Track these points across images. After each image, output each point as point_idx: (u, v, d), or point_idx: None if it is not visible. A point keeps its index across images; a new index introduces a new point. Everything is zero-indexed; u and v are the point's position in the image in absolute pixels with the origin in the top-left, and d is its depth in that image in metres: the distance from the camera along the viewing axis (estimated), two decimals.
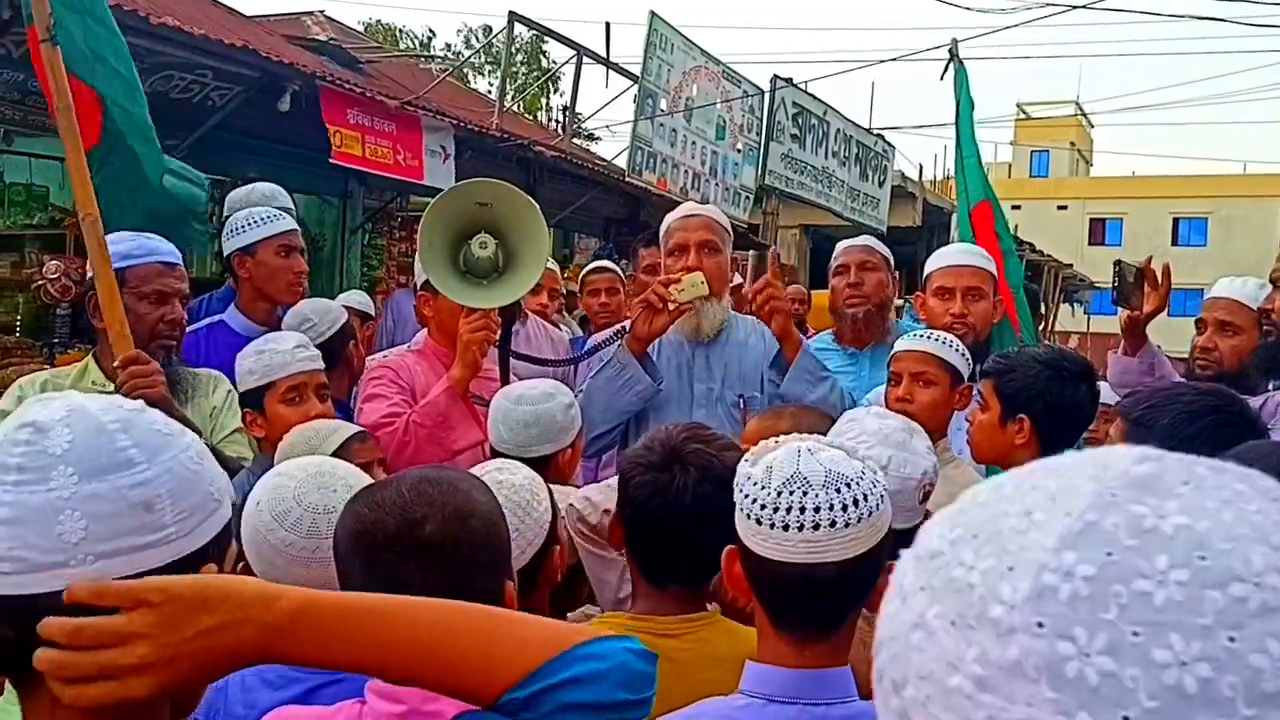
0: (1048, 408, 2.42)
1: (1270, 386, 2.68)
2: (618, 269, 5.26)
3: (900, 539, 1.50)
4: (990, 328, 3.23)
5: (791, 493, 1.40)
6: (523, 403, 2.50)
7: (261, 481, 1.73)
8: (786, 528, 1.39)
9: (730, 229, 3.23)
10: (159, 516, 0.93)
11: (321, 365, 2.79)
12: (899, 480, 1.92)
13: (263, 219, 3.36)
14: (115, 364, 2.52)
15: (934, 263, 3.33)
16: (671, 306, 2.92)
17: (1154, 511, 0.49)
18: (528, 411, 2.47)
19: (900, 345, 2.81)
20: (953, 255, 3.35)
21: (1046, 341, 6.45)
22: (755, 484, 1.43)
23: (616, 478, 1.94)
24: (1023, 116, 41.23)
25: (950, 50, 4.31)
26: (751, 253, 13.68)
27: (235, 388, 2.78)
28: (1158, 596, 0.46)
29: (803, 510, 1.39)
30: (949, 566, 0.53)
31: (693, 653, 1.72)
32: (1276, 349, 2.53)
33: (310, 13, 12.88)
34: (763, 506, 1.41)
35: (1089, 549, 0.48)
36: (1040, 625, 0.47)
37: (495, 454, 2.52)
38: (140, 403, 1.02)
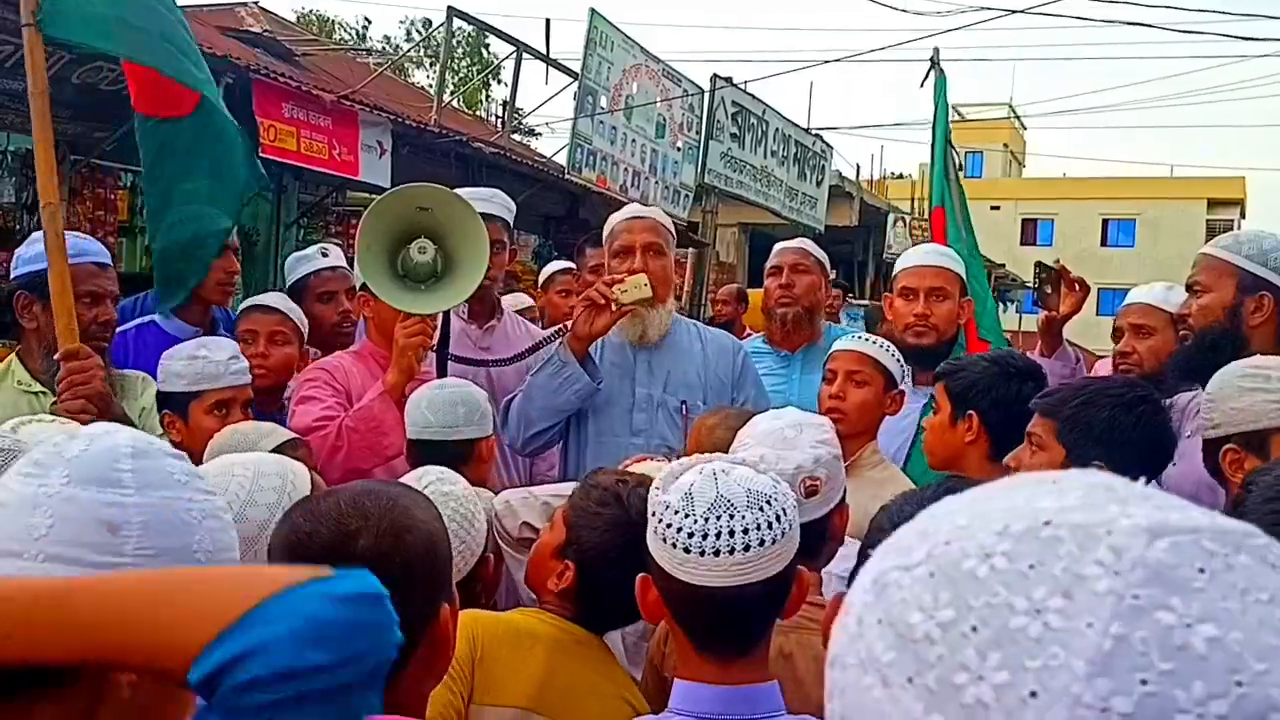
0: (994, 403, 2.48)
1: (1191, 389, 2.77)
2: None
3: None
4: (955, 328, 3.27)
5: (719, 517, 1.39)
6: (446, 387, 2.55)
7: None
8: (718, 553, 1.38)
9: (674, 231, 3.25)
10: (120, 542, 0.91)
11: (250, 379, 2.74)
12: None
13: None
14: (57, 356, 2.47)
15: (901, 263, 3.38)
16: (614, 307, 2.93)
17: (1181, 620, 0.46)
18: (454, 392, 2.51)
19: (838, 345, 2.86)
20: (918, 256, 3.39)
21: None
22: (678, 513, 1.41)
23: (538, 487, 1.95)
24: (957, 118, 41.84)
25: (931, 58, 4.38)
26: (690, 251, 13.73)
27: (160, 384, 2.71)
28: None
29: (732, 534, 1.39)
30: (948, 668, 0.48)
31: None
32: (1192, 353, 2.60)
33: (244, 3, 12.66)
34: (690, 535, 1.39)
35: (1123, 676, 0.45)
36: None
37: (415, 447, 2.50)
38: (168, 445, 1.02)
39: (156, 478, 0.95)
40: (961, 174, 4.40)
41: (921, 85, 4.40)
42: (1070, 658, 0.45)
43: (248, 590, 0.83)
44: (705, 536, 1.39)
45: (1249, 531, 0.49)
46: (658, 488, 1.48)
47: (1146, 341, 3.19)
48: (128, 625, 0.83)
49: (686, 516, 1.40)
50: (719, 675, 1.44)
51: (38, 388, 2.70)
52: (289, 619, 0.81)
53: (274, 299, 3.32)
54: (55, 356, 2.47)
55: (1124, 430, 2.16)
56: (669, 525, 1.42)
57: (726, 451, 1.80)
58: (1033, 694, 0.45)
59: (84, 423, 2.26)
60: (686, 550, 1.40)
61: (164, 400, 2.67)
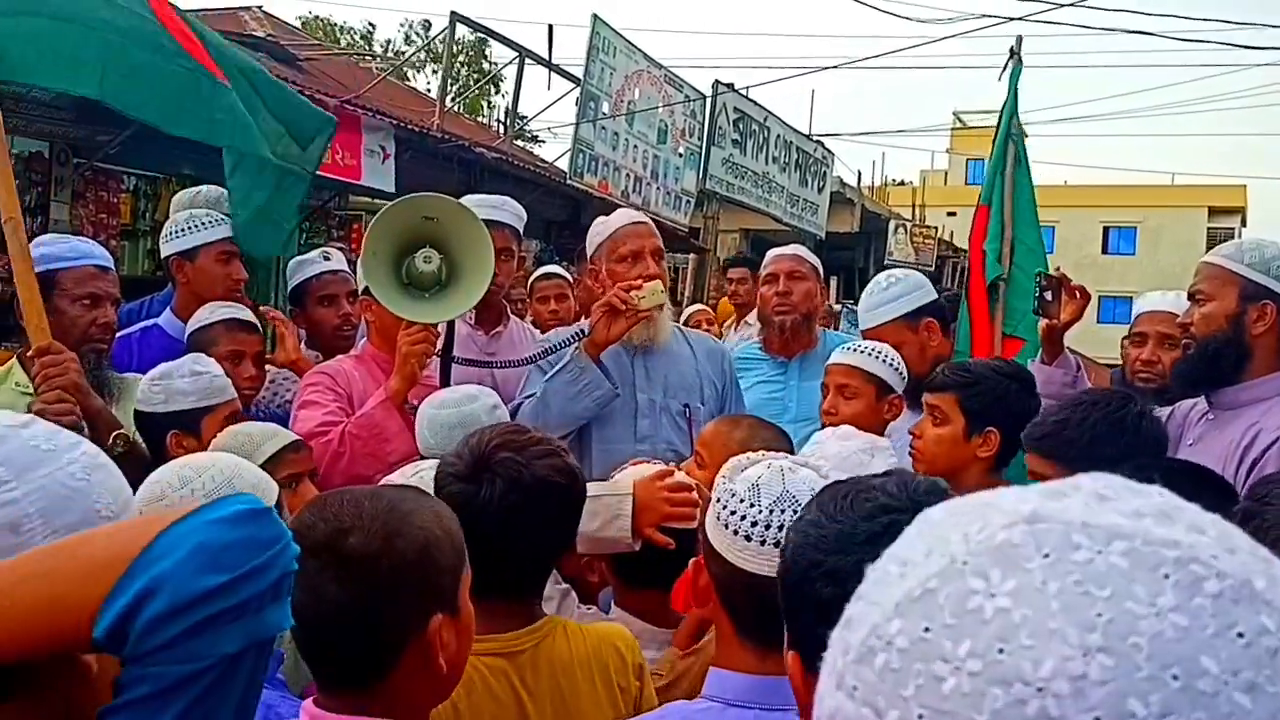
0: (1014, 419, 2.48)
1: (1194, 398, 2.75)
2: (566, 275, 5.23)
3: None
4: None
5: (784, 510, 1.46)
6: (445, 406, 2.49)
7: None
8: (778, 544, 1.41)
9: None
10: (28, 538, 0.89)
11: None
12: None
13: (204, 223, 3.30)
14: (29, 354, 2.49)
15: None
16: (632, 313, 2.92)
17: (985, 590, 0.51)
18: (451, 414, 2.46)
19: (832, 359, 2.90)
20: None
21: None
22: (743, 502, 1.48)
23: None
24: (959, 125, 41.83)
25: (1011, 48, 4.19)
26: (692, 256, 13.73)
27: (158, 405, 2.58)
28: (948, 684, 0.50)
29: None
30: (856, 599, 0.59)
31: (541, 664, 1.69)
32: (1195, 362, 2.59)
33: (248, 8, 12.68)
34: (754, 524, 1.46)
35: (912, 620, 0.52)
36: (855, 689, 0.54)
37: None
38: (27, 416, 0.99)
39: (26, 458, 0.92)
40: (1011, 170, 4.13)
41: (999, 77, 4.24)
42: (886, 600, 0.54)
43: (132, 538, 0.83)
44: (768, 527, 1.45)
45: (1171, 542, 0.51)
46: (724, 476, 1.54)
47: (1174, 353, 3.15)
48: (25, 609, 0.81)
49: (751, 506, 1.47)
50: (756, 665, 1.47)
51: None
52: (177, 551, 0.81)
53: (247, 313, 3.20)
54: (28, 354, 2.48)
55: (1120, 453, 2.12)
56: (733, 513, 1.48)
57: None
58: (849, 621, 0.56)
59: (64, 414, 2.31)
60: (748, 538, 1.46)
61: (164, 420, 2.54)
